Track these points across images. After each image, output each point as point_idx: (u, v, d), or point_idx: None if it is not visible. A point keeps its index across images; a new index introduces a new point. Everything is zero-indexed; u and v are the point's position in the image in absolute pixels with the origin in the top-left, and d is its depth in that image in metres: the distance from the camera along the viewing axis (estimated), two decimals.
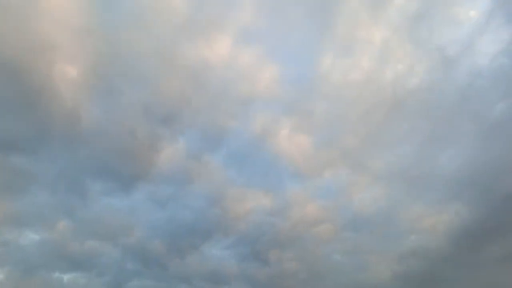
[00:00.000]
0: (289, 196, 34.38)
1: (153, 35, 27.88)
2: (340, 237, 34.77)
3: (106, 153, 29.30)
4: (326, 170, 34.43)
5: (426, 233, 37.47)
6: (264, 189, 34.12)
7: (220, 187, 33.09)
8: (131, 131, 29.01)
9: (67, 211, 29.52)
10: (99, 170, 29.78)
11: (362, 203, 34.93)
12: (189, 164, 31.44)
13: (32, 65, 26.38)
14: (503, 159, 35.59)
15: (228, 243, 34.09)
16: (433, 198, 35.99)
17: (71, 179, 29.51)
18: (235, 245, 34.09)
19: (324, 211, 34.15)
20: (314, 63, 34.56)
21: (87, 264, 31.39)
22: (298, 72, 34.37)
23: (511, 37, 31.82)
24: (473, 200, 37.09)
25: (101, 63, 27.33)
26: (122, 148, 29.18)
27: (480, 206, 36.85)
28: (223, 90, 30.85)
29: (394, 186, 34.63)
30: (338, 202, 34.30)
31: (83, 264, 31.33)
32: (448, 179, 36.32)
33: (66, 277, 32.57)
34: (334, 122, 34.50)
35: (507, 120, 33.64)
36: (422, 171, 35.20)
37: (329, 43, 34.02)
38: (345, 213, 34.25)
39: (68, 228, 29.87)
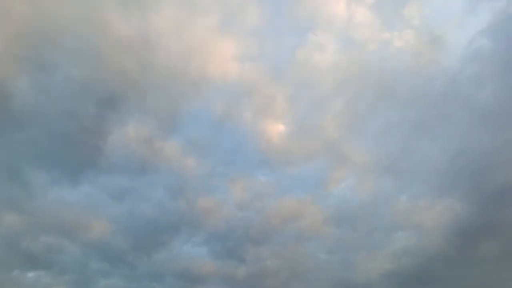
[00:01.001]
0: (260, 187, 31.90)
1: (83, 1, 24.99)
2: (321, 233, 32.44)
3: (44, 138, 26.58)
4: (303, 160, 31.93)
5: (416, 230, 35.08)
6: (231, 180, 31.58)
7: (181, 177, 30.51)
8: (71, 112, 26.34)
9: (10, 204, 27.18)
10: (39, 157, 27.04)
11: (343, 197, 32.54)
12: (142, 151, 28.89)
13: None
14: (498, 149, 33.19)
15: (199, 239, 31.81)
16: (422, 192, 33.55)
17: (8, 167, 27.02)
18: (207, 242, 31.83)
19: (302, 204, 31.75)
20: (279, 40, 31.89)
21: (46, 262, 29.17)
22: (259, 50, 31.43)
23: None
24: (466, 194, 34.82)
25: (27, 30, 24.52)
26: (62, 132, 26.50)
27: (474, 201, 34.53)
28: (171, 69, 28.06)
29: (378, 178, 32.22)
30: (316, 195, 31.89)
31: (42, 261, 29.11)
32: (438, 171, 33.92)
33: (28, 275, 30.46)
34: (310, 108, 31.95)
35: (501, 107, 31.11)
36: (410, 163, 32.82)
37: (300, 18, 31.25)
38: (325, 207, 31.88)
39: (16, 223, 27.54)
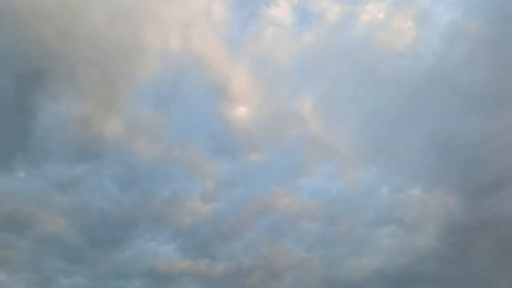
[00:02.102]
0: (223, 176, 29.18)
1: None
2: (298, 228, 29.92)
3: None
4: (270, 147, 29.21)
5: (402, 225, 32.49)
6: (188, 167, 28.75)
7: (129, 164, 27.87)
8: None
9: None
10: None
11: (319, 189, 29.91)
12: (80, 134, 26.15)
13: None
14: (491, 137, 30.58)
15: (165, 236, 29.22)
16: (407, 184, 30.87)
17: None
18: (173, 238, 29.33)
19: (273, 196, 29.19)
20: (230, 11, 28.95)
21: None
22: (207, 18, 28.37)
23: None
24: (456, 186, 32.28)
25: None
26: None
27: (466, 194, 32.00)
28: (99, 38, 25.17)
29: (359, 168, 29.59)
30: (289, 186, 29.31)
31: None
32: (426, 161, 31.27)
33: None
34: (274, 89, 29.22)
35: (492, 91, 28.41)
36: (394, 152, 30.12)
37: None
38: (299, 199, 29.30)
39: None
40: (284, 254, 32.47)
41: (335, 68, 29.91)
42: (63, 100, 24.84)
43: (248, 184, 29.39)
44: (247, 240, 30.52)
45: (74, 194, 26.36)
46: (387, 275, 31.98)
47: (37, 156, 25.31)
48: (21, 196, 25.73)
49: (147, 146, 27.63)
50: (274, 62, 28.62)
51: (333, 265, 32.48)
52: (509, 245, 30.48)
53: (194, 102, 28.41)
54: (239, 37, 29.17)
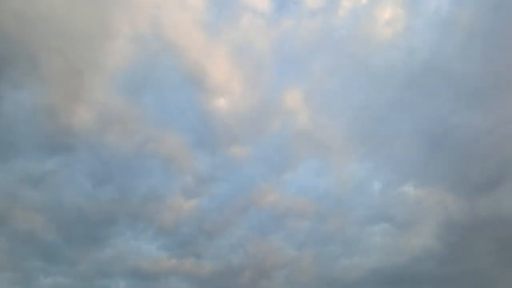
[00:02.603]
0: (201, 171, 27.82)
1: None
2: (286, 226, 28.78)
3: None
4: (253, 140, 27.92)
5: (397, 224, 31.37)
6: (165, 161, 27.26)
7: (104, 158, 26.29)
8: None
9: None
10: None
11: (306, 185, 28.67)
12: (47, 126, 24.70)
13: None
14: (489, 131, 29.37)
15: (148, 234, 28.00)
16: (401, 181, 29.64)
17: None
18: (157, 237, 28.16)
19: (259, 191, 27.94)
20: None
21: None
22: None
23: None
24: (454, 185, 31.15)
25: None
26: None
27: (462, 191, 30.88)
28: (62, 23, 23.56)
29: (349, 163, 28.34)
30: (272, 182, 28.09)
31: None
32: (420, 156, 30.03)
33: None
34: (256, 79, 27.78)
35: (489, 83, 27.15)
36: (387, 147, 28.85)
37: None
38: (284, 196, 28.10)
39: None
40: (274, 252, 31.38)
41: (319, 57, 28.54)
42: (26, 89, 23.53)
43: (232, 179, 28.22)
44: (234, 238, 29.46)
45: (46, 190, 25.21)
46: (381, 275, 30.88)
47: (2, 150, 24.17)
48: None
49: (120, 138, 26.24)
50: (253, 50, 27.31)
51: (326, 264, 31.43)
52: (507, 243, 29.38)
53: (169, 91, 27.05)
54: (215, 22, 27.43)
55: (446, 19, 26.82)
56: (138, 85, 27.13)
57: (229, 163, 27.69)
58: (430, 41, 26.85)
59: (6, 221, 24.95)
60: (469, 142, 29.95)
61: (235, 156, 27.18)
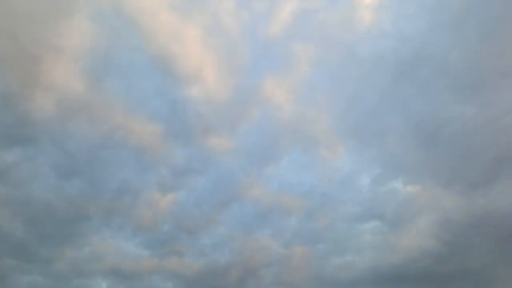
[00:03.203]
0: (176, 163, 26.28)
1: None
2: (271, 223, 27.48)
3: None
4: (229, 130, 26.29)
5: (388, 222, 30.10)
6: (136, 152, 25.52)
7: (69, 149, 24.46)
8: None
9: None
10: None
11: (290, 179, 27.29)
12: (1, 115, 22.99)
13: None
14: (484, 125, 28.06)
15: (125, 232, 26.66)
16: (390, 174, 28.27)
17: None
18: (135, 234, 26.84)
19: (240, 185, 26.49)
20: None
21: None
22: None
23: None
24: (447, 181, 29.89)
25: None
26: None
27: (457, 187, 29.60)
28: (10, 4, 21.77)
29: (337, 156, 26.93)
30: (254, 175, 26.69)
31: None
32: (412, 152, 28.68)
33: None
34: (228, 66, 26.05)
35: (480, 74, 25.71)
36: (376, 140, 27.48)
37: None
38: (268, 191, 26.72)
39: None
40: (261, 250, 30.16)
41: (298, 43, 27.00)
42: None
43: (210, 172, 26.81)
44: (217, 236, 28.20)
45: (9, 184, 23.78)
46: (374, 275, 29.71)
47: None
48: None
49: (85, 127, 24.59)
50: (226, 34, 25.68)
51: (317, 263, 30.26)
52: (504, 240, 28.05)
53: (136, 76, 25.29)
54: (183, 3, 25.43)
55: (438, 4, 25.39)
56: (101, 68, 25.16)
57: (206, 155, 26.24)
58: (421, 28, 25.40)
59: None
60: (464, 136, 28.69)
61: (213, 147, 25.79)
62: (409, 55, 26.25)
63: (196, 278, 29.88)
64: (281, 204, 27.17)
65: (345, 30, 25.90)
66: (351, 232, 29.92)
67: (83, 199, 24.72)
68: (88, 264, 27.72)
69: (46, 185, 24.36)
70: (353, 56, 26.06)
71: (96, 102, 23.74)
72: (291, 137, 26.40)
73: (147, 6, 23.53)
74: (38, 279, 27.68)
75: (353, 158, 27.36)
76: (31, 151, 23.92)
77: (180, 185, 26.34)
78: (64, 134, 23.93)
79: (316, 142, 26.48)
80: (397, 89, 26.92)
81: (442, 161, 30.02)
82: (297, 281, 30.03)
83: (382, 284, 29.08)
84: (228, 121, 25.73)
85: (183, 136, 26.06)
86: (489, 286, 27.01)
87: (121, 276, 29.16)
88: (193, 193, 26.82)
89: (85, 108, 23.56)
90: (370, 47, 26.40)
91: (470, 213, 29.20)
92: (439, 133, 28.99)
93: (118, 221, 26.15)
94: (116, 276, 29.28)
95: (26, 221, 24.42)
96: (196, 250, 29.13)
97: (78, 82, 23.95)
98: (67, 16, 22.49)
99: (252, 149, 26.63)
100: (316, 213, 27.98)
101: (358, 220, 29.02)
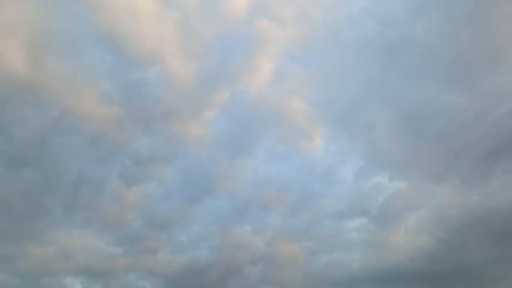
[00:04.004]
0: (137, 151, 24.19)
1: None
2: (251, 217, 25.70)
3: None
4: (195, 115, 24.06)
5: (374, 218, 28.47)
6: (87, 139, 23.38)
7: (11, 135, 21.86)
8: None
9: None
10: None
11: (268, 171, 25.49)
12: None
13: None
14: (478, 118, 26.45)
15: (93, 228, 24.80)
16: (378, 169, 26.56)
17: None
18: (103, 230, 24.86)
19: (211, 177, 24.63)
20: None
21: None
22: None
23: None
24: (442, 176, 28.24)
25: None
26: None
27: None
28: None
29: (316, 146, 25.10)
30: (226, 165, 24.83)
31: None
32: (399, 144, 26.96)
33: None
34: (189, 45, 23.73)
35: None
36: (362, 130, 25.73)
37: None
38: (242, 183, 24.92)
39: None
40: (243, 248, 28.52)
41: (266, 21, 24.97)
42: None
43: (177, 162, 24.75)
44: (192, 232, 26.47)
45: None
46: (365, 273, 27.44)
47: None
48: None
49: (30, 112, 22.11)
50: (185, 8, 23.43)
51: (303, 261, 28.65)
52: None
53: (86, 54, 23.19)
54: None
55: None
56: (44, 44, 22.67)
57: (171, 143, 24.16)
58: (408, 10, 23.65)
59: None
60: (456, 128, 27.10)
61: (177, 134, 23.80)
62: (396, 40, 24.55)
63: (175, 277, 28.32)
64: (259, 198, 25.45)
65: (327, 11, 24.14)
66: (337, 230, 28.39)
67: (37, 192, 22.67)
68: (56, 262, 26.01)
69: None
70: (337, 40, 24.34)
71: (40, 83, 21.48)
72: (265, 125, 24.49)
73: None
74: (2, 277, 26.02)
75: (334, 149, 25.61)
76: None
77: (145, 176, 24.44)
78: (7, 119, 21.73)
79: (293, 132, 24.66)
80: (384, 77, 25.20)
81: (433, 155, 28.43)
82: (285, 279, 28.35)
83: (376, 283, 27.29)
84: (192, 105, 23.75)
85: (142, 121, 24.01)
86: (486, 284, 25.65)
87: (94, 274, 27.55)
88: (161, 185, 24.92)
89: (28, 90, 21.26)
90: (355, 30, 24.67)
91: (464, 210, 26.80)
92: (429, 125, 27.41)
93: (82, 216, 24.25)
94: (88, 275, 27.68)
95: None
96: (172, 248, 27.55)
97: (17, 60, 21.68)
98: None
99: (222, 137, 24.69)
100: (298, 208, 26.35)
101: (343, 216, 27.43)
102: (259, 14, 23.54)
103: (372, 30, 24.60)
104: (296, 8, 23.95)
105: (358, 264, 28.33)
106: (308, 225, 28.04)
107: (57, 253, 25.70)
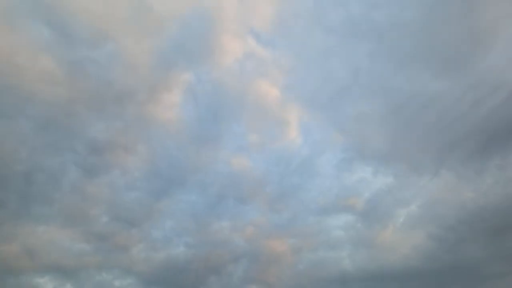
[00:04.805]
0: (91, 140, 21.85)
1: None
2: (227, 212, 24.01)
3: None
4: (153, 97, 21.76)
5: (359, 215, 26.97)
6: (36, 121, 20.63)
7: None
8: None
9: None
10: None
11: (241, 162, 23.64)
12: None
13: None
14: (475, 103, 24.79)
15: (56, 223, 22.92)
16: (363, 162, 24.82)
17: None
18: (66, 226, 23.06)
19: (177, 168, 22.68)
20: None
21: None
22: None
23: None
24: (432, 169, 26.77)
25: None
26: None
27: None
28: None
29: (294, 134, 23.26)
30: (193, 154, 22.88)
31: None
32: (386, 136, 25.24)
33: None
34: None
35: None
36: (341, 114, 23.85)
37: None
38: (214, 174, 23.03)
39: None
40: (222, 245, 26.96)
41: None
42: None
43: (139, 150, 22.49)
44: (165, 228, 24.78)
45: None
46: (355, 271, 26.31)
47: None
48: None
49: None
50: None
51: (289, 259, 27.07)
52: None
53: (17, 26, 20.38)
54: None
55: None
56: None
57: (131, 129, 21.94)
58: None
59: None
60: (448, 120, 25.44)
61: (137, 119, 21.60)
62: (385, 23, 22.65)
63: (153, 276, 26.87)
64: (235, 192, 23.63)
65: None
66: (321, 226, 26.94)
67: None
68: (19, 260, 24.30)
69: None
70: (319, 22, 22.41)
71: None
72: (235, 111, 22.41)
73: None
74: None
75: (313, 140, 23.70)
76: None
77: (105, 165, 22.34)
78: None
79: (266, 119, 22.65)
80: (372, 64, 23.30)
81: (424, 149, 26.84)
82: (271, 278, 26.82)
83: (369, 282, 26.21)
84: (149, 87, 21.53)
85: (95, 104, 21.74)
86: (483, 283, 24.52)
87: (64, 273, 25.96)
88: (124, 176, 22.89)
89: None
90: (339, 12, 22.73)
91: (459, 207, 25.86)
92: (421, 116, 25.68)
93: (40, 210, 22.34)
94: (58, 274, 26.07)
95: None
96: (145, 245, 26.01)
97: None
98: None
99: (188, 123, 22.52)
100: (277, 203, 24.70)
101: (327, 212, 25.79)
102: None
103: (358, 13, 22.70)
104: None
105: (347, 262, 26.76)
106: (289, 221, 26.58)
107: (19, 250, 23.99)
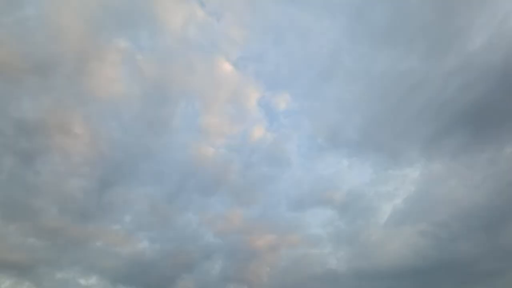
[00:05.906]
0: (24, 120, 18.62)
1: None
2: (191, 204, 21.67)
3: None
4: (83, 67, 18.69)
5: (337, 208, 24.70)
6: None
7: None
8: None
9: None
10: None
11: (197, 149, 21.09)
12: None
13: None
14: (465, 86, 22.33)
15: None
16: (336, 151, 22.34)
17: None
18: (9, 219, 20.49)
19: (126, 155, 20.05)
20: None
21: None
22: None
23: None
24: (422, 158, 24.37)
25: None
26: None
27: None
28: None
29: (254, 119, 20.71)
30: (149, 144, 20.34)
31: None
32: (371, 121, 22.86)
33: None
34: None
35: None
36: (324, 101, 21.48)
37: None
38: (166, 159, 20.47)
39: None
40: (190, 241, 24.85)
41: None
42: None
43: (77, 130, 19.14)
44: (125, 223, 22.48)
45: None
46: (345, 270, 24.27)
47: None
48: None
49: None
50: None
51: (268, 256, 24.69)
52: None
53: None
54: None
55: None
56: None
57: (63, 105, 18.63)
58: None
59: None
60: (438, 104, 23.02)
61: (68, 93, 18.31)
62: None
63: (119, 273, 24.62)
64: (195, 182, 21.18)
65: None
66: (297, 221, 24.62)
67: None
68: None
69: None
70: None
71: None
72: (184, 89, 19.56)
73: None
74: None
75: (278, 125, 21.24)
76: None
77: (40, 149, 18.97)
78: None
79: (221, 100, 19.91)
80: (353, 45, 20.72)
81: (410, 137, 24.43)
82: (250, 276, 24.75)
83: (358, 280, 24.21)
84: (76, 56, 18.42)
85: (9, 78, 17.86)
86: (477, 281, 22.42)
87: (20, 270, 23.71)
88: (64, 161, 19.76)
89: None
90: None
91: (451, 203, 23.54)
92: (407, 101, 23.23)
93: None
94: (13, 271, 23.82)
95: None
96: (104, 239, 23.69)
97: None
98: None
99: (132, 100, 19.39)
100: (243, 195, 22.26)
101: (302, 206, 23.44)
102: None
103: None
104: None
105: (332, 259, 24.72)
106: (261, 215, 24.41)
107: None
